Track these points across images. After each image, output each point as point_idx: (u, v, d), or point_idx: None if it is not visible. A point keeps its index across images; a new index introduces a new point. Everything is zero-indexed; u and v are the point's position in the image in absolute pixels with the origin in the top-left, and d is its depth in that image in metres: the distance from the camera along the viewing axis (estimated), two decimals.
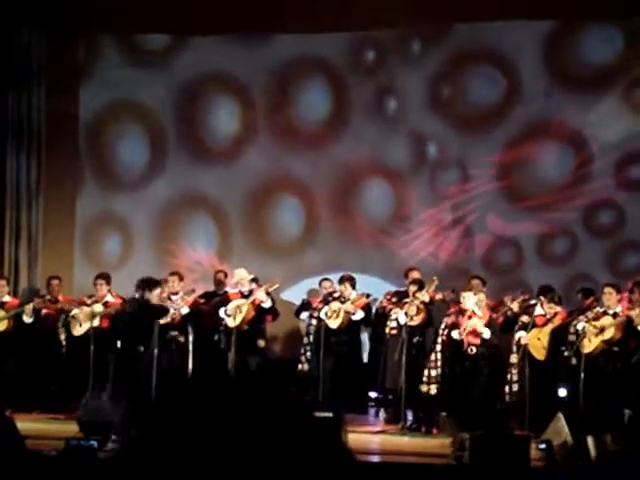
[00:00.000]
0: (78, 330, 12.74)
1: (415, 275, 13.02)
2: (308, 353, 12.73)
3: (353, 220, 14.83)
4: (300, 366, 12.67)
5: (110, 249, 15.51)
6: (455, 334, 11.60)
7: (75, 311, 12.80)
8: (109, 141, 15.61)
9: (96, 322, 12.60)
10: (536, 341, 11.61)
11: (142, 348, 11.15)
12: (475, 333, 11.51)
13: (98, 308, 12.73)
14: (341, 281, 12.75)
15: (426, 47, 14.65)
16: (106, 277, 13.02)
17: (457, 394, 11.53)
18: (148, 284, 11.36)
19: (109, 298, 12.88)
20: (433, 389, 11.69)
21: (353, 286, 12.68)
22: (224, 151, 15.29)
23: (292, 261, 14.63)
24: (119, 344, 11.58)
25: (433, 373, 11.73)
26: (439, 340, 11.74)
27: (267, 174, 15.11)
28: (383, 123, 14.80)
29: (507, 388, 11.72)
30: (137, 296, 11.34)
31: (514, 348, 11.77)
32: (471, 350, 11.54)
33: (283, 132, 15.09)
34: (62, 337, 13.01)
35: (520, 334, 11.67)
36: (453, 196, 14.56)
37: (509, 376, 11.74)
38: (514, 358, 11.74)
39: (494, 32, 14.41)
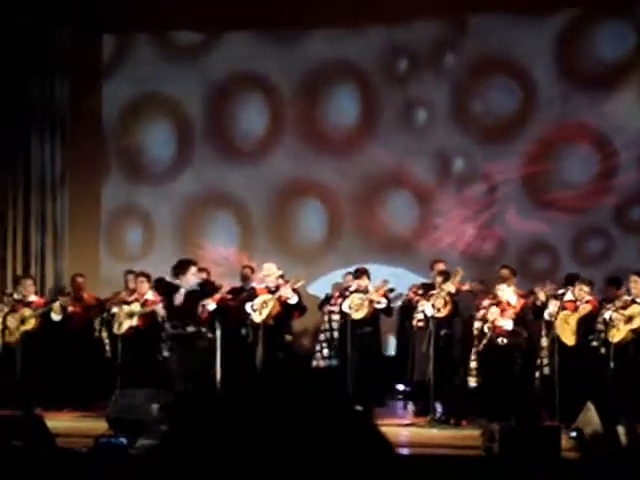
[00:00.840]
0: (118, 329, 12.69)
1: (441, 267, 12.99)
2: (325, 350, 12.70)
3: (375, 228, 14.82)
4: (315, 362, 12.66)
5: (133, 241, 15.64)
6: (484, 327, 11.58)
7: (114, 309, 12.78)
8: (137, 134, 15.70)
9: (134, 321, 12.57)
10: (564, 325, 11.58)
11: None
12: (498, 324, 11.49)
13: (136, 307, 12.67)
14: (356, 274, 12.72)
15: (448, 56, 14.62)
16: (147, 275, 12.98)
17: (490, 385, 11.50)
18: (181, 267, 11.49)
19: (149, 296, 12.82)
20: (474, 381, 11.69)
21: (368, 277, 12.67)
22: (251, 150, 15.32)
23: (313, 264, 14.63)
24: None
25: (473, 365, 11.73)
26: (475, 333, 11.74)
27: (292, 176, 15.14)
28: (411, 134, 14.78)
29: (537, 373, 11.72)
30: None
31: (543, 331, 11.78)
32: (502, 341, 11.51)
33: (310, 135, 15.11)
34: (104, 335, 13.02)
35: (548, 312, 11.67)
36: (478, 209, 14.54)
37: (539, 360, 11.74)
38: (544, 341, 11.74)
39: (506, 38, 14.37)
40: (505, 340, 11.49)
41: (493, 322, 11.49)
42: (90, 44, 15.46)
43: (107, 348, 13.03)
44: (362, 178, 14.86)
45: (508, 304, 11.59)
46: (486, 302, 11.76)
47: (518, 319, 11.53)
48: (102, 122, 15.64)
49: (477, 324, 11.74)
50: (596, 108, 14.17)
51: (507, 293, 11.62)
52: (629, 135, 14.10)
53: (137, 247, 15.60)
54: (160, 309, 12.50)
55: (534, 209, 14.42)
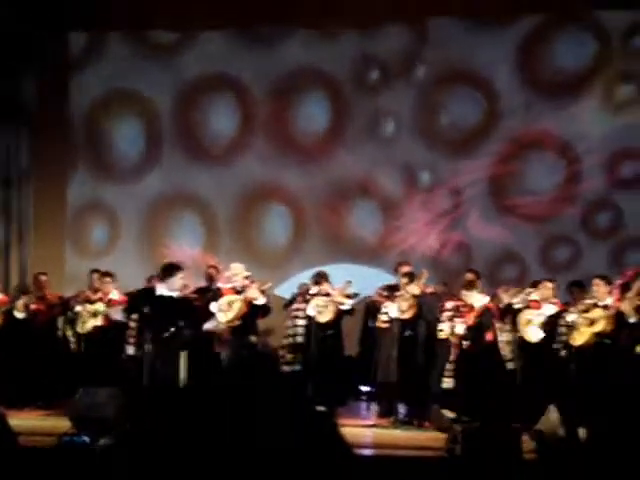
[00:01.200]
0: (82, 328, 12.70)
1: (406, 269, 13.04)
2: (288, 355, 12.72)
3: (340, 234, 14.88)
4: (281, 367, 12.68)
5: (97, 238, 15.63)
6: (458, 328, 11.65)
7: (78, 308, 12.76)
8: (105, 130, 15.66)
9: (99, 321, 12.58)
10: (528, 322, 11.72)
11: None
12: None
13: (101, 307, 12.69)
14: (315, 278, 12.75)
15: (416, 66, 14.76)
16: (111, 274, 13.00)
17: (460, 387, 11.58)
18: (169, 270, 11.47)
19: (113, 295, 12.83)
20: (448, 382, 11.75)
21: (327, 281, 12.70)
22: (220, 152, 15.37)
23: (277, 267, 14.68)
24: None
25: (450, 367, 11.80)
26: (442, 336, 11.79)
27: (260, 179, 15.20)
28: (379, 144, 14.84)
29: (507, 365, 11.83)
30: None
31: (507, 326, 11.88)
32: (465, 345, 11.57)
33: (280, 139, 15.17)
34: (69, 333, 12.98)
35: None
36: (442, 215, 14.61)
37: (503, 354, 11.84)
38: (506, 336, 11.85)
39: (467, 48, 14.51)
40: (467, 342, 11.54)
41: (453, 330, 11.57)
42: (57, 42, 15.43)
43: (73, 346, 12.98)
44: (329, 185, 14.95)
45: (471, 308, 11.64)
46: (449, 304, 11.83)
47: (476, 322, 11.55)
48: (70, 118, 15.61)
49: (443, 326, 11.78)
50: (559, 116, 14.32)
51: (473, 297, 11.66)
52: (592, 142, 14.25)
53: (102, 244, 15.61)
54: (120, 311, 12.51)
55: (499, 217, 14.54)
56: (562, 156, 14.42)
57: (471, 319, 11.53)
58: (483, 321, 11.57)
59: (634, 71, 14.27)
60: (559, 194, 14.37)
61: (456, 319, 11.64)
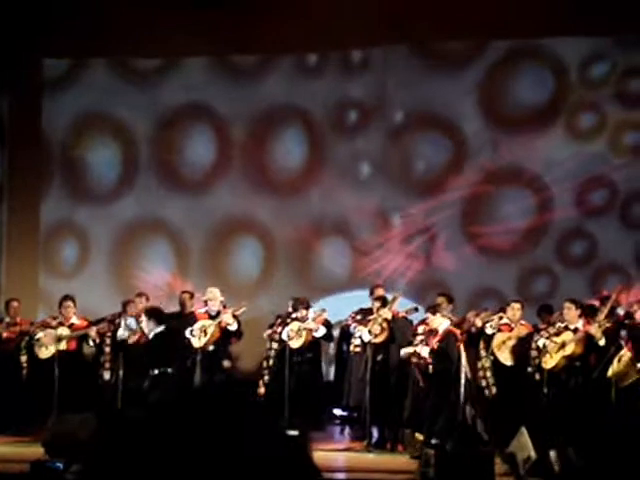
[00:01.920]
0: (44, 353, 12.68)
1: (380, 292, 13.11)
2: (266, 377, 12.75)
3: (311, 272, 14.92)
4: (258, 389, 12.69)
5: (67, 258, 15.64)
6: (415, 355, 11.69)
7: (40, 334, 12.74)
8: (82, 152, 15.69)
9: (62, 345, 12.58)
10: (502, 345, 11.81)
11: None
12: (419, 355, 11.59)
13: (64, 331, 12.69)
14: (295, 306, 12.81)
15: (390, 110, 14.88)
16: (72, 299, 13.01)
17: (420, 411, 11.59)
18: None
19: (74, 320, 12.88)
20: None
21: (307, 308, 12.76)
22: (194, 182, 15.41)
23: (245, 300, 14.60)
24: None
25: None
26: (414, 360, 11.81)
27: (233, 211, 15.24)
28: (354, 186, 14.94)
29: (486, 391, 11.85)
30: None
31: (483, 352, 11.94)
32: (428, 369, 11.60)
33: (255, 174, 15.24)
34: (24, 359, 12.94)
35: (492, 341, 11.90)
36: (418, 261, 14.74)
37: (484, 381, 11.88)
38: (486, 362, 11.90)
39: (430, 93, 14.66)
40: (430, 367, 11.57)
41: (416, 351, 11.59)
42: (34, 63, 15.45)
43: (24, 372, 12.94)
44: (301, 221, 14.99)
45: (436, 332, 11.67)
46: (420, 329, 11.87)
47: (440, 346, 11.57)
48: (45, 138, 15.62)
49: (407, 348, 11.81)
50: (526, 149, 14.46)
51: (437, 321, 11.66)
52: (560, 172, 14.36)
53: (71, 264, 15.61)
54: (92, 332, 12.52)
55: (476, 255, 14.57)
56: (532, 188, 14.54)
57: (434, 343, 11.55)
58: (446, 345, 11.58)
59: (593, 100, 14.44)
60: (532, 226, 14.48)
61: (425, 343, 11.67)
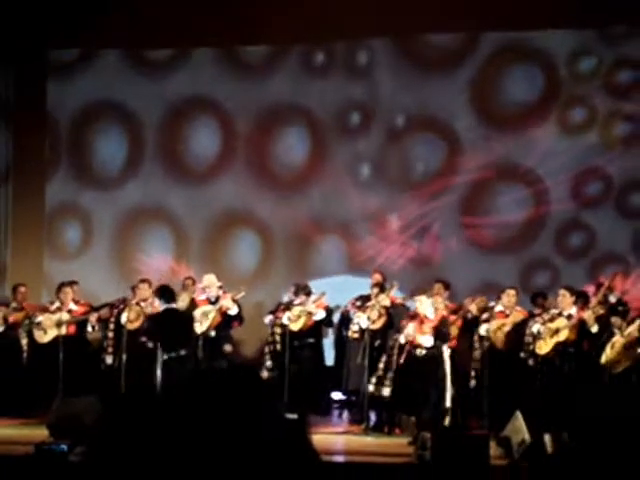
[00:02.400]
0: (43, 337, 12.83)
1: (377, 278, 13.25)
2: (268, 362, 12.89)
3: (307, 269, 15.02)
4: (261, 374, 12.84)
5: (70, 240, 15.73)
6: (401, 338, 11.79)
7: (40, 318, 12.88)
8: (89, 137, 15.78)
9: (63, 330, 12.74)
10: (497, 331, 11.96)
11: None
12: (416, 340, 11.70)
13: (64, 316, 12.83)
14: (296, 292, 12.97)
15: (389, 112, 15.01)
16: (71, 285, 13.14)
17: (412, 395, 11.72)
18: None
19: (72, 306, 12.99)
20: (386, 391, 11.85)
21: (308, 294, 12.89)
22: (198, 172, 15.52)
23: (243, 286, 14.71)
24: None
25: (389, 375, 11.87)
26: (391, 343, 11.91)
27: (234, 204, 15.33)
28: (354, 187, 15.05)
29: (473, 382, 12.01)
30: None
31: (476, 345, 12.09)
32: (420, 352, 11.74)
33: (258, 169, 15.31)
34: (24, 342, 13.08)
35: (482, 328, 12.02)
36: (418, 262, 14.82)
37: (473, 372, 12.05)
38: (477, 354, 12.06)
39: (422, 95, 14.78)
40: (423, 352, 11.72)
41: (413, 339, 11.69)
42: (38, 51, 15.56)
43: (24, 355, 13.08)
44: (300, 221, 15.08)
45: (425, 318, 11.80)
46: (408, 315, 12.00)
47: (435, 332, 11.70)
48: (51, 123, 15.71)
49: (395, 335, 11.92)
50: (520, 146, 14.56)
51: (425, 306, 11.80)
52: (555, 166, 14.43)
53: (73, 247, 15.72)
54: (92, 318, 12.67)
55: (475, 250, 14.66)
56: (527, 183, 14.64)
57: (429, 329, 11.68)
58: (441, 330, 11.73)
59: (583, 94, 14.54)
60: (529, 220, 14.57)
61: (409, 332, 11.77)
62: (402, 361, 11.65)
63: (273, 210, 15.22)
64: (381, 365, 11.84)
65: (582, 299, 11.95)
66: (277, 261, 15.21)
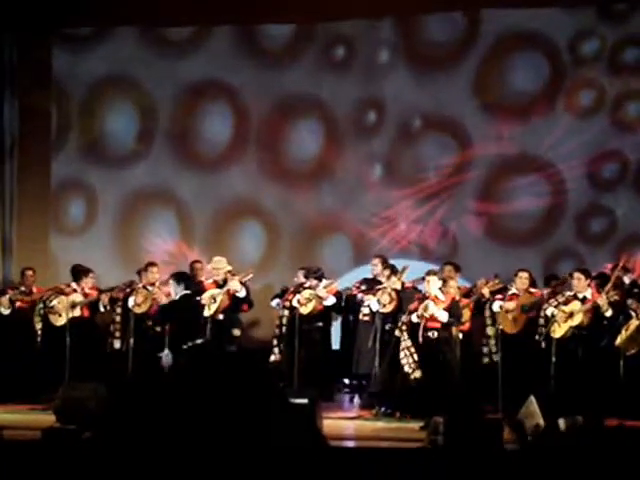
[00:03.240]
0: (59, 320, 12.77)
1: (381, 262, 13.14)
2: (281, 345, 12.83)
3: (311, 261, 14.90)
4: (272, 357, 12.77)
5: (74, 216, 15.67)
6: (414, 317, 11.67)
7: (54, 302, 12.81)
8: (101, 113, 15.69)
9: (77, 312, 12.68)
10: (505, 314, 11.88)
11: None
12: (433, 317, 11.59)
13: (78, 298, 12.78)
14: (307, 275, 12.86)
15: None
16: (92, 271, 13.10)
17: (424, 380, 11.63)
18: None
19: (88, 290, 12.96)
20: (418, 373, 11.77)
21: (320, 278, 12.79)
22: (208, 159, 15.44)
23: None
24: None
25: (416, 358, 11.78)
26: (403, 327, 11.80)
27: (241, 194, 15.23)
28: (367, 186, 14.91)
29: (486, 359, 11.93)
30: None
31: (488, 321, 12.00)
32: (432, 334, 11.64)
33: (269, 160, 15.22)
34: (38, 327, 13.03)
35: (495, 304, 11.93)
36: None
37: (486, 349, 11.97)
38: (490, 330, 11.98)
39: (425, 93, 14.73)
40: (436, 333, 11.62)
41: (430, 315, 11.57)
42: (44, 24, 15.46)
43: (39, 339, 13.03)
44: (308, 217, 14.97)
45: (436, 298, 11.70)
46: (418, 296, 11.90)
47: (448, 313, 11.63)
48: (63, 95, 15.58)
49: (405, 318, 11.81)
50: (531, 136, 14.41)
51: (435, 286, 11.70)
52: (568, 153, 14.30)
53: (77, 224, 15.66)
54: (105, 298, 12.63)
55: (498, 244, 14.50)
56: (542, 173, 14.48)
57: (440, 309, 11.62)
58: (451, 312, 11.64)
59: (589, 77, 14.38)
60: (548, 209, 14.43)
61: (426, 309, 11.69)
62: (421, 341, 11.57)
63: (281, 204, 15.09)
64: (410, 350, 11.74)
65: (600, 280, 11.85)
66: (282, 254, 15.08)
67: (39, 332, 13.01)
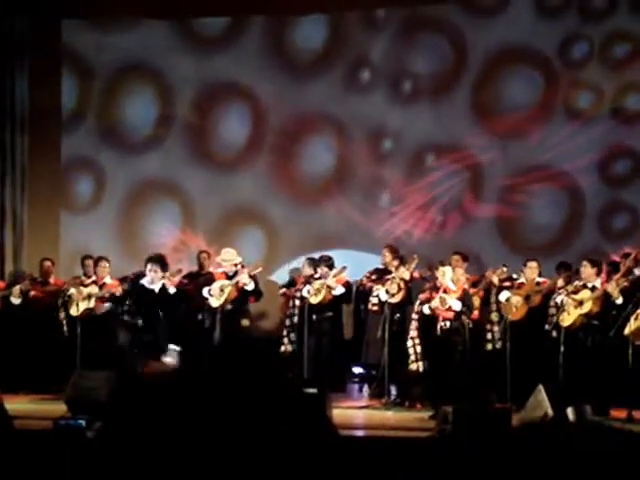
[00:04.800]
0: (75, 310, 12.84)
1: (391, 252, 13.14)
2: (292, 334, 12.87)
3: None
4: (283, 347, 12.81)
5: (81, 193, 15.67)
6: (425, 309, 11.70)
7: (72, 290, 12.87)
8: (121, 97, 15.63)
9: (92, 303, 12.72)
10: (507, 302, 11.90)
11: None
12: (447, 307, 11.61)
13: (94, 290, 12.83)
14: (318, 263, 12.89)
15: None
16: (107, 259, 13.13)
17: (434, 369, 11.66)
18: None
19: (107, 280, 12.99)
20: (421, 366, 11.82)
21: (330, 267, 12.81)
22: (220, 160, 15.34)
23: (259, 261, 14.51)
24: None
25: (418, 350, 11.85)
26: (415, 317, 11.84)
27: (249, 199, 15.10)
28: (377, 208, 14.92)
29: (489, 345, 11.96)
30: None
31: (493, 307, 12.02)
32: (445, 325, 11.67)
33: (281, 172, 15.13)
34: (62, 316, 13.08)
35: (503, 294, 11.95)
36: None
37: (490, 334, 11.99)
38: (494, 316, 12.01)
39: (429, 121, 14.72)
40: (448, 324, 11.65)
41: (442, 303, 11.58)
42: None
43: (65, 329, 13.08)
44: (312, 229, 14.88)
45: (448, 289, 11.71)
46: (427, 285, 11.91)
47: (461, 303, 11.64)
48: (87, 74, 15.56)
49: (418, 308, 11.84)
50: (536, 148, 14.35)
51: (447, 277, 11.72)
52: (578, 157, 14.18)
53: (84, 201, 15.65)
54: (119, 292, 12.67)
55: (517, 259, 14.39)
56: (558, 183, 14.41)
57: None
58: (464, 302, 11.65)
59: (583, 79, 14.34)
60: (569, 221, 14.35)
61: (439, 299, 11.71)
62: (438, 332, 11.60)
63: (285, 214, 15.00)
64: (415, 341, 11.77)
65: (611, 268, 11.85)
66: (281, 265, 14.97)
67: (64, 322, 13.04)
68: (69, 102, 15.69)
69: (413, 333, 11.80)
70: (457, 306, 11.58)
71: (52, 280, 13.67)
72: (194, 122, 15.43)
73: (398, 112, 14.90)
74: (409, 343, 11.79)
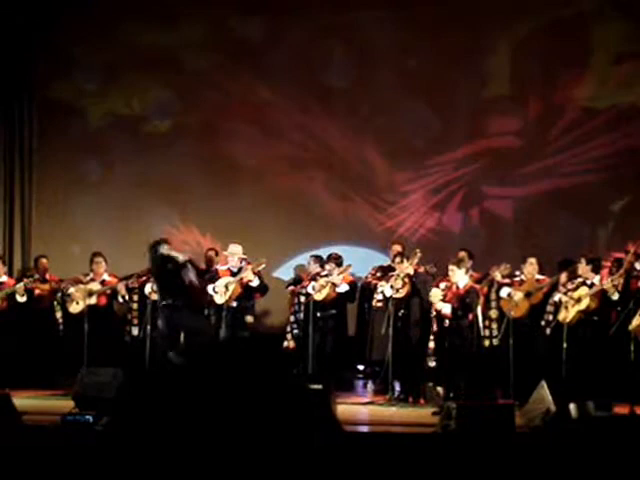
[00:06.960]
0: (75, 308, 12.91)
1: (397, 248, 13.22)
2: (295, 330, 12.92)
3: None
4: (285, 343, 12.87)
5: (89, 172, 15.64)
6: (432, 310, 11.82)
7: (71, 289, 12.94)
8: (145, 84, 15.52)
9: (93, 300, 12.80)
10: (507, 299, 11.96)
11: None
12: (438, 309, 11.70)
13: (95, 286, 12.91)
14: (327, 260, 12.96)
15: None
16: (102, 255, 13.19)
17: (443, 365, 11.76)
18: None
19: (105, 277, 13.07)
20: (431, 361, 11.91)
21: (339, 265, 12.86)
22: (228, 175, 15.26)
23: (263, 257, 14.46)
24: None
25: (431, 345, 11.95)
26: (433, 313, 11.94)
27: (252, 218, 15.00)
28: (381, 204, 14.99)
29: (487, 342, 12.02)
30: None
31: (492, 304, 12.09)
32: (445, 323, 11.72)
33: (280, 194, 15.10)
34: (59, 315, 13.14)
35: (504, 290, 12.01)
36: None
37: (487, 331, 12.06)
38: (493, 313, 12.07)
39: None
40: (447, 322, 11.71)
41: (434, 305, 11.69)
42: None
43: (60, 328, 13.15)
44: (317, 227, 14.96)
45: (456, 287, 11.76)
46: (442, 285, 11.97)
47: (461, 302, 11.68)
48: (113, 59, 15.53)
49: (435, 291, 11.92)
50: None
51: (458, 275, 11.78)
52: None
53: (91, 177, 15.65)
54: (122, 288, 12.73)
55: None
56: (564, 156, 14.55)
57: (454, 300, 11.66)
58: (468, 301, 11.70)
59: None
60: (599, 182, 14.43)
61: (433, 299, 11.79)
62: (435, 329, 11.69)
63: (282, 232, 14.99)
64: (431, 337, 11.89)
65: (616, 264, 11.91)
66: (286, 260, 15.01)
67: (60, 320, 13.12)
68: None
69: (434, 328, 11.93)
70: (447, 310, 11.62)
71: (48, 276, 13.74)
72: (208, 126, 15.36)
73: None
74: (431, 337, 11.93)
